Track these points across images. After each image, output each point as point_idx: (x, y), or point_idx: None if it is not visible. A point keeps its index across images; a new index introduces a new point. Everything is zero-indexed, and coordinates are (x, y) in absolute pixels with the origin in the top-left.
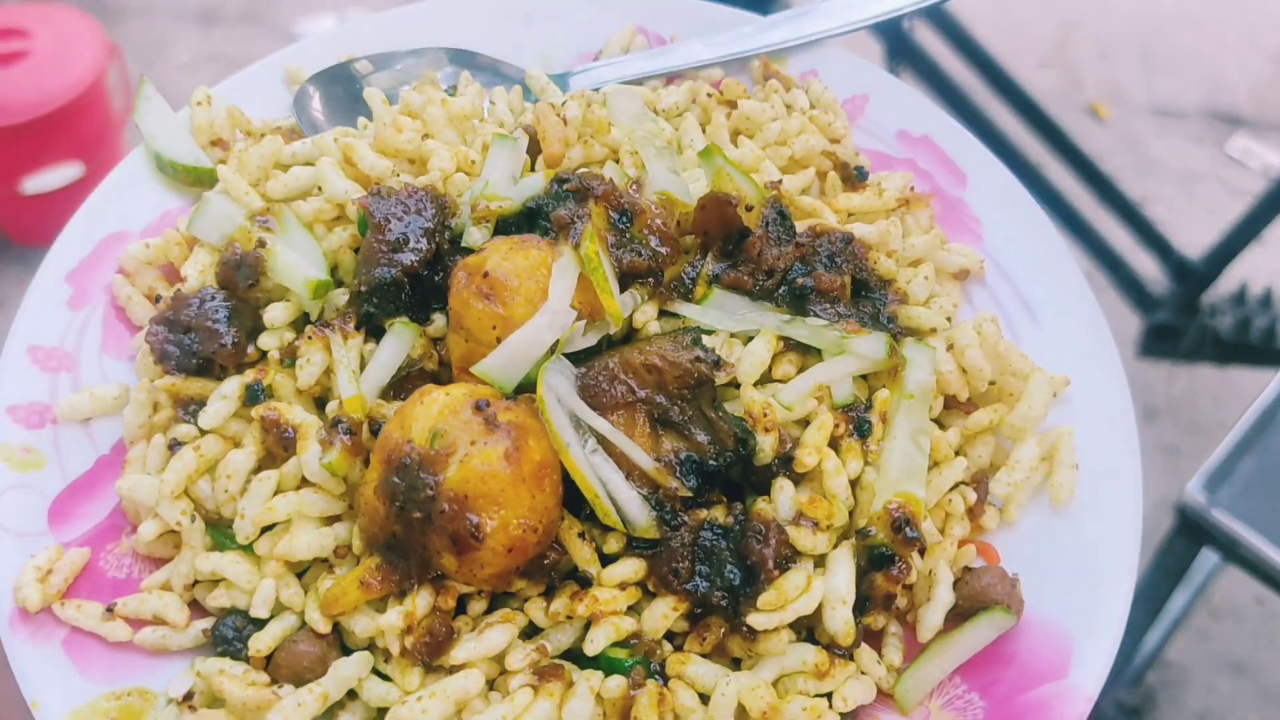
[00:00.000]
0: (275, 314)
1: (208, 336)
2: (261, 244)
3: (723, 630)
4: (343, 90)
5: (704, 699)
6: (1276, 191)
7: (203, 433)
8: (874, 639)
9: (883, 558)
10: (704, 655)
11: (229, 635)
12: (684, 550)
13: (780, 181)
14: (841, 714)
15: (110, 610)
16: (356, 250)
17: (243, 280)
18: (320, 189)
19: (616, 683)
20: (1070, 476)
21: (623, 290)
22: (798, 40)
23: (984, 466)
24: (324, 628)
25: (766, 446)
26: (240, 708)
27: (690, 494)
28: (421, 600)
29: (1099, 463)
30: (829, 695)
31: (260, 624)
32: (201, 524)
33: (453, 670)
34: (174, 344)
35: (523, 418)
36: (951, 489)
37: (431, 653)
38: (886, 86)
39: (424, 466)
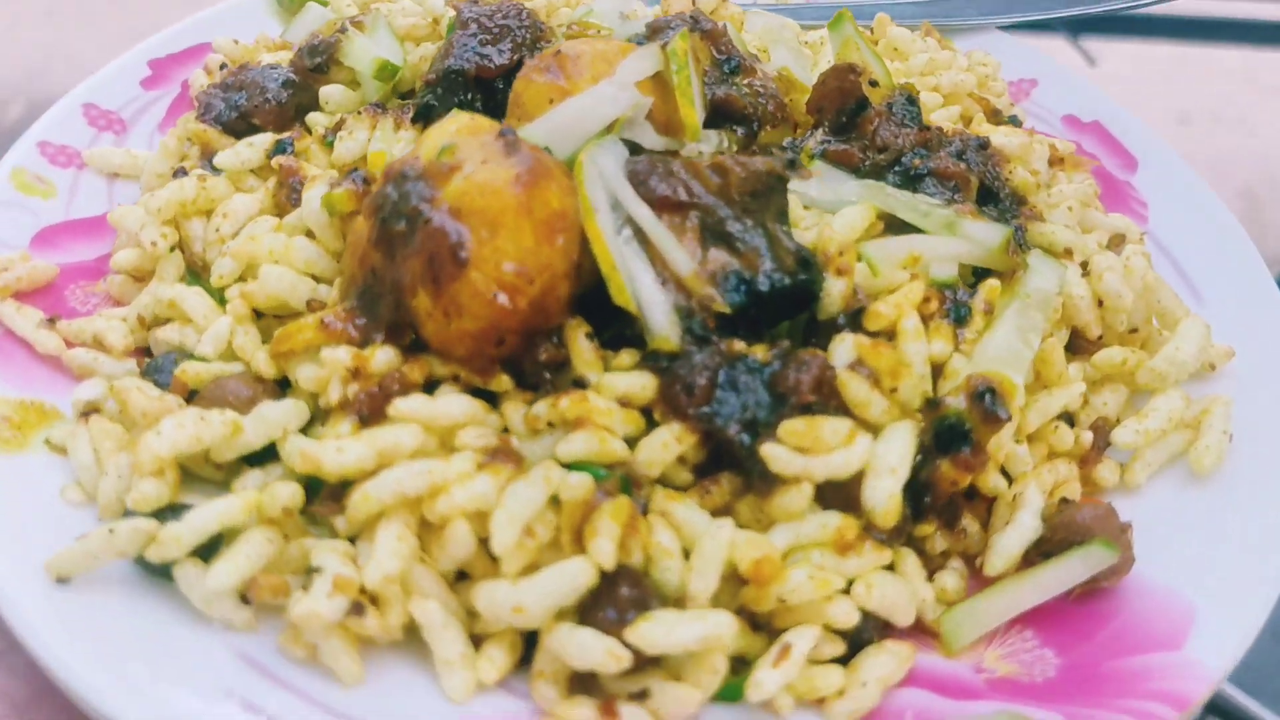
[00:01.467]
0: (332, 93)
1: (255, 92)
2: (342, 30)
3: (733, 490)
4: None
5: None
6: None
7: (216, 173)
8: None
9: (954, 434)
10: None
11: (164, 368)
12: (705, 368)
13: (918, 90)
14: (863, 611)
15: (51, 322)
16: (443, 55)
17: (311, 58)
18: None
19: (581, 480)
20: (1220, 443)
21: (711, 128)
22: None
23: (1108, 418)
24: (269, 371)
25: (835, 292)
26: (140, 420)
27: (727, 310)
28: (382, 354)
29: (1259, 442)
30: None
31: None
32: (180, 259)
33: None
34: (222, 99)
35: (551, 164)
36: (1060, 418)
37: (374, 408)
38: (1057, 72)
39: (423, 178)
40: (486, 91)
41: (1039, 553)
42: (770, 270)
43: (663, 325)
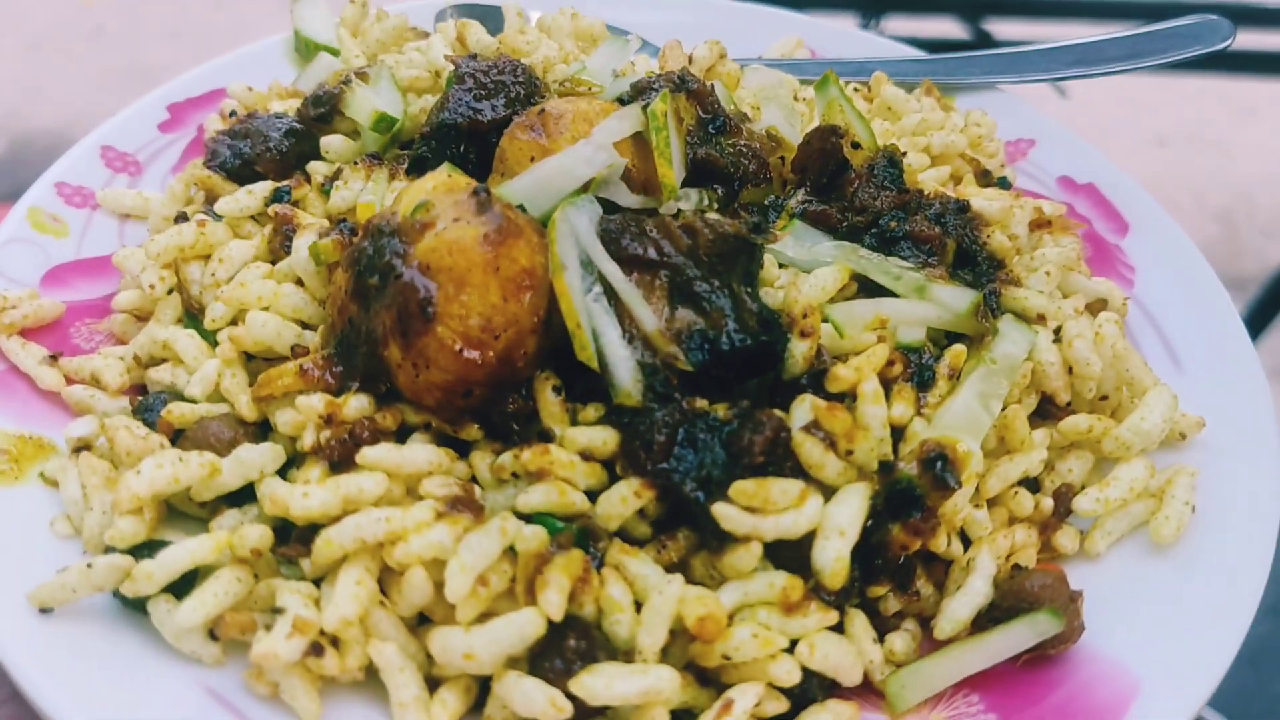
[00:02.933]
0: (333, 143)
1: (259, 141)
2: (345, 82)
3: (688, 546)
4: (481, 17)
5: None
6: None
7: (217, 219)
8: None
9: (905, 499)
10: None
11: (155, 407)
12: (665, 425)
13: (903, 151)
14: (805, 669)
15: (53, 358)
16: (438, 108)
17: (315, 107)
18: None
19: (535, 533)
20: (1182, 514)
21: (693, 186)
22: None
23: (1071, 484)
24: (250, 414)
25: (798, 353)
26: (125, 459)
27: (690, 368)
28: (355, 401)
29: (1225, 516)
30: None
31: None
32: (178, 301)
33: None
34: (228, 147)
35: (523, 222)
36: (1022, 483)
37: (344, 455)
38: (1056, 134)
39: (398, 234)
40: (480, 145)
41: (989, 618)
42: (733, 330)
43: (625, 381)
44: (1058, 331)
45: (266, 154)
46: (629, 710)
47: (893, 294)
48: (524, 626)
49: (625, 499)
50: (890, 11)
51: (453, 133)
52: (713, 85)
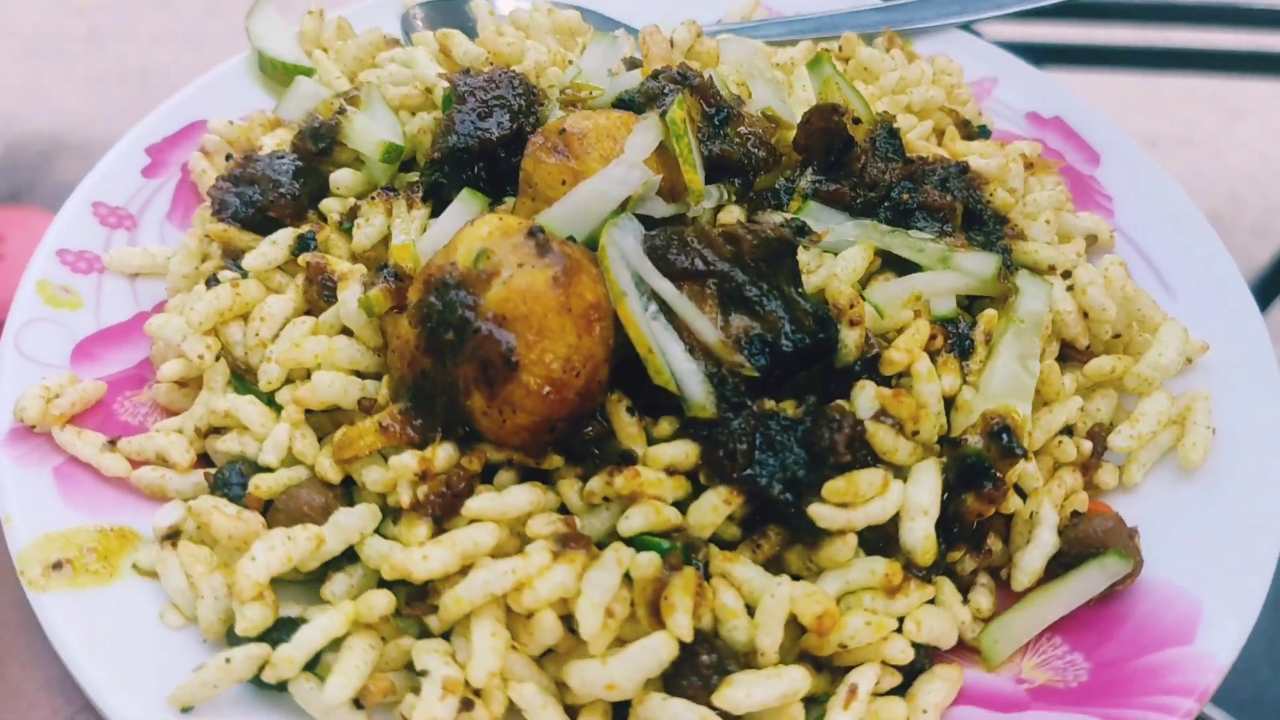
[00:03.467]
0: (342, 178)
1: (269, 187)
2: (341, 111)
3: (780, 541)
4: (448, 16)
5: (749, 613)
6: None
7: (245, 276)
8: (959, 585)
9: (976, 471)
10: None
11: (232, 480)
12: (743, 433)
13: (894, 117)
14: (914, 644)
15: (112, 444)
16: (442, 131)
17: (316, 143)
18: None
19: (649, 559)
20: (1205, 438)
21: (709, 183)
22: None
23: (1102, 423)
24: (334, 476)
25: (850, 342)
26: (226, 541)
27: (756, 374)
28: (443, 452)
29: (1240, 432)
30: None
31: (268, 474)
32: (225, 366)
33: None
34: (235, 195)
35: (579, 255)
36: (1061, 431)
37: (445, 508)
38: (1017, 69)
39: (464, 285)
40: (489, 160)
41: (1058, 564)
42: (791, 332)
43: (699, 395)
44: (1066, 275)
45: (280, 199)
46: (763, 712)
47: (916, 267)
48: (659, 651)
49: (716, 508)
50: None
51: (465, 156)
52: (710, 75)
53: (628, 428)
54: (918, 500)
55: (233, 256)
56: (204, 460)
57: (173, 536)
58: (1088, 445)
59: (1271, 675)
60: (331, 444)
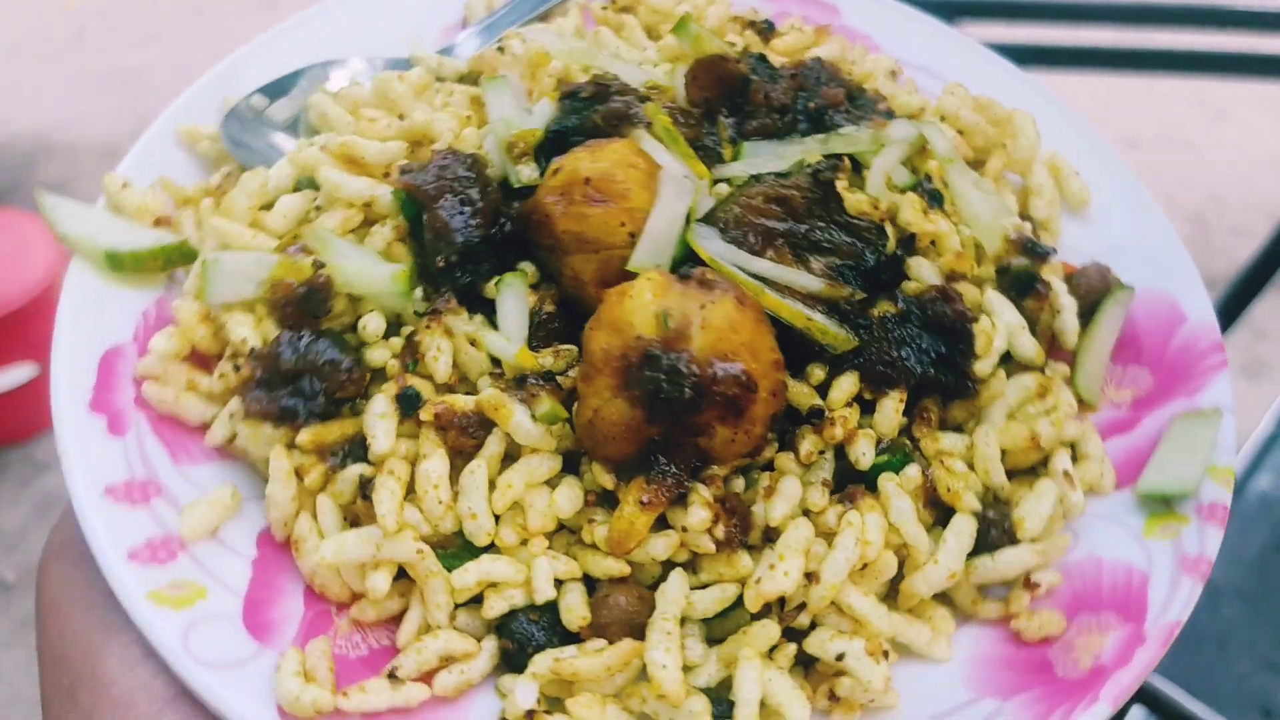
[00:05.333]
0: (372, 324)
1: (328, 370)
2: (319, 265)
3: (938, 406)
4: (250, 130)
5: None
6: None
7: (373, 465)
8: None
9: (1026, 281)
10: None
11: (530, 631)
12: (886, 344)
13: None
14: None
15: (393, 675)
16: (407, 239)
17: (318, 309)
18: (322, 203)
19: (914, 471)
20: (1079, 183)
21: None
22: None
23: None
24: (625, 570)
25: (891, 236)
26: (601, 675)
27: (865, 295)
28: (703, 491)
29: (1091, 174)
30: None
31: (547, 609)
32: (431, 552)
33: (768, 539)
34: (289, 397)
35: (713, 274)
36: None
37: (744, 531)
38: None
39: (672, 349)
40: (493, 242)
41: (1081, 316)
42: (865, 250)
43: (841, 333)
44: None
45: (349, 376)
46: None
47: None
48: (966, 529)
49: (897, 408)
50: None
51: (481, 249)
52: (614, 72)
53: (800, 388)
54: (1012, 323)
55: (329, 455)
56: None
57: (531, 713)
58: (1026, 224)
59: (1251, 668)
60: (584, 552)
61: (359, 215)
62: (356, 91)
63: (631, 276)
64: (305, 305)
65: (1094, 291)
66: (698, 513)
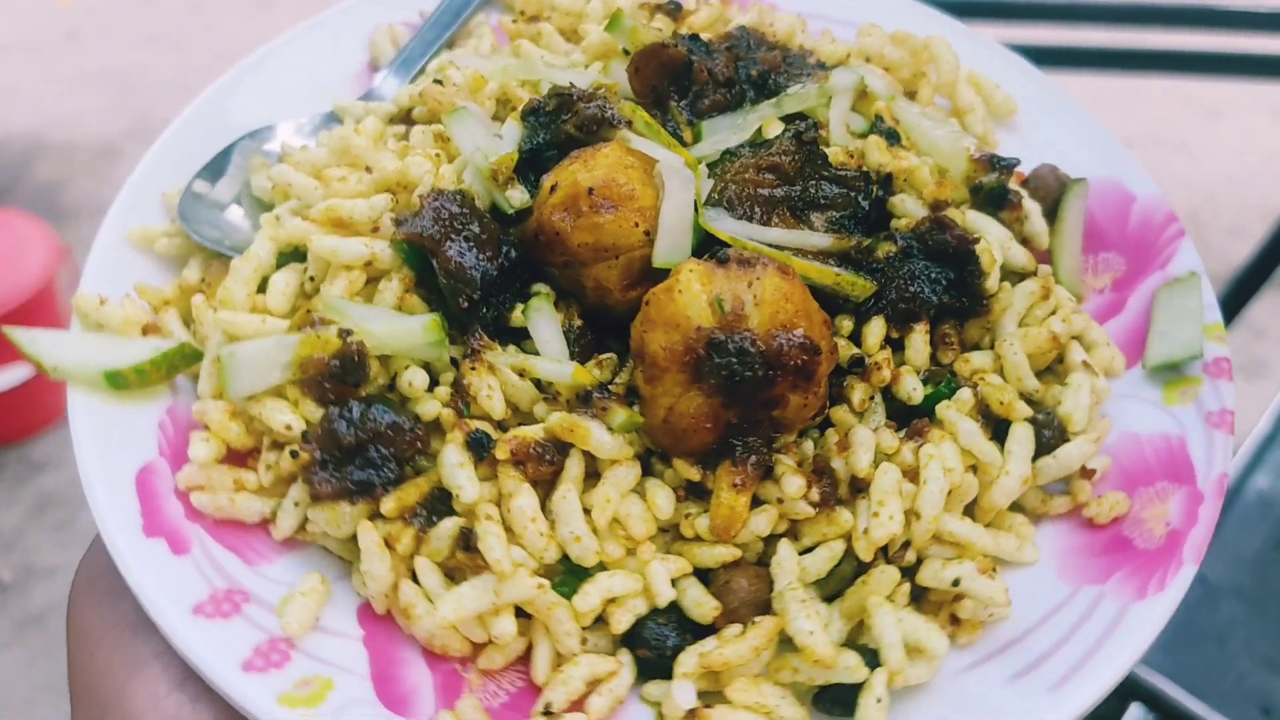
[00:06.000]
0: (417, 379)
1: (393, 435)
2: (346, 333)
3: (955, 327)
4: (206, 217)
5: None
6: None
7: (461, 516)
8: None
9: (999, 194)
10: None
11: (664, 634)
12: (900, 282)
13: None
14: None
15: (549, 713)
16: (414, 289)
17: (358, 378)
18: (314, 272)
19: (966, 394)
20: (1003, 94)
21: None
22: None
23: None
24: (736, 554)
25: (872, 179)
26: (750, 658)
27: (869, 240)
28: (787, 460)
29: (1011, 85)
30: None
31: (670, 610)
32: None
33: (855, 491)
34: (359, 470)
35: (748, 252)
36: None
37: (835, 487)
38: None
39: (733, 331)
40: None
41: (1048, 216)
42: (859, 197)
43: (864, 280)
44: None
45: (414, 437)
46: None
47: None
48: (1027, 437)
49: (924, 338)
50: None
51: (502, 280)
52: (569, 81)
53: (838, 344)
54: (1000, 237)
55: (412, 516)
56: None
57: (692, 712)
58: (972, 140)
59: (1250, 666)
60: (686, 547)
61: (362, 276)
62: (312, 155)
63: (658, 273)
64: (345, 376)
65: (1051, 191)
66: (792, 481)
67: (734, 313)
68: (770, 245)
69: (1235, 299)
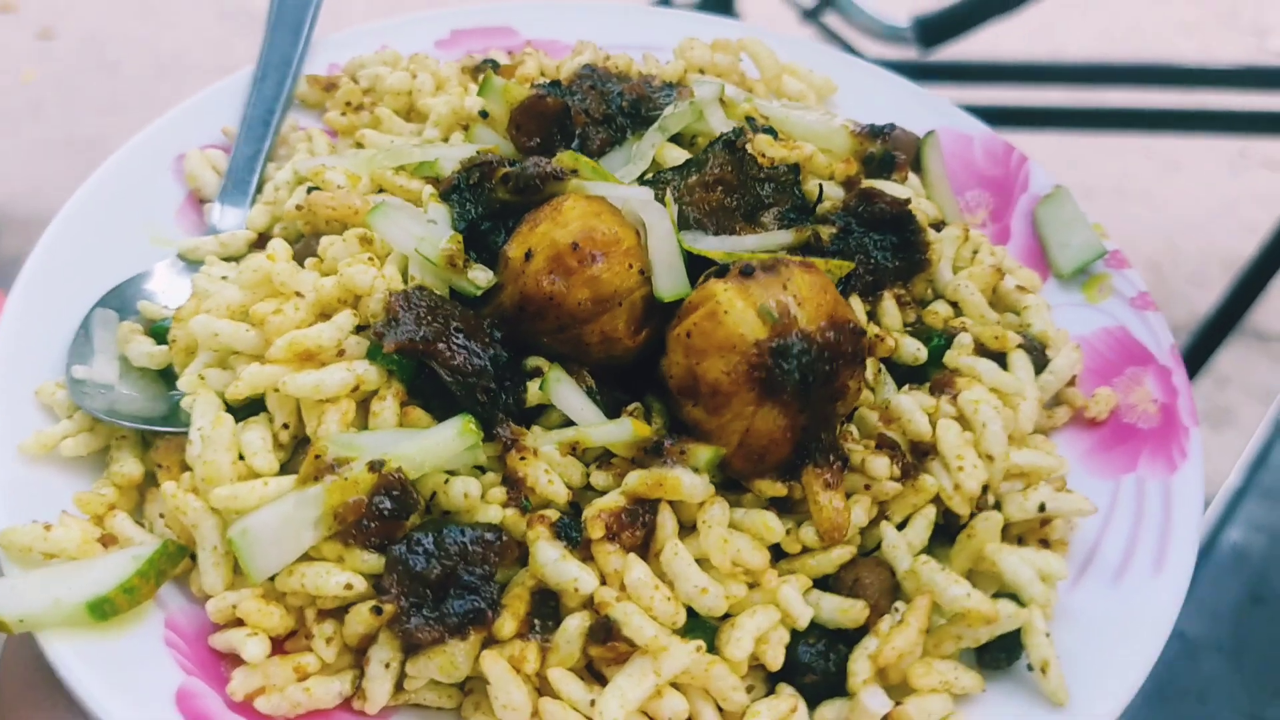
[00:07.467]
0: (471, 488)
1: (483, 551)
2: (378, 464)
3: (906, 288)
4: (102, 401)
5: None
6: None
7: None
8: None
9: (889, 160)
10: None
11: (820, 653)
12: (859, 258)
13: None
14: None
15: None
16: (409, 400)
17: (410, 506)
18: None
19: (966, 339)
20: (820, 76)
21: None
22: None
23: None
24: (853, 550)
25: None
26: (918, 640)
27: (828, 224)
28: (859, 448)
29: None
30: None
31: (811, 630)
32: None
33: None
34: (457, 601)
35: (765, 257)
36: None
37: (904, 458)
38: None
39: (787, 334)
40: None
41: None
42: (792, 190)
43: (844, 262)
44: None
45: (501, 548)
46: None
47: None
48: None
49: (896, 305)
50: None
51: (497, 364)
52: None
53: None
54: (906, 189)
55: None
56: None
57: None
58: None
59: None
60: (824, 536)
61: (352, 405)
62: (224, 298)
63: (662, 310)
64: (395, 511)
65: (910, 148)
66: (877, 462)
67: (783, 318)
68: (749, 252)
69: (1201, 348)
